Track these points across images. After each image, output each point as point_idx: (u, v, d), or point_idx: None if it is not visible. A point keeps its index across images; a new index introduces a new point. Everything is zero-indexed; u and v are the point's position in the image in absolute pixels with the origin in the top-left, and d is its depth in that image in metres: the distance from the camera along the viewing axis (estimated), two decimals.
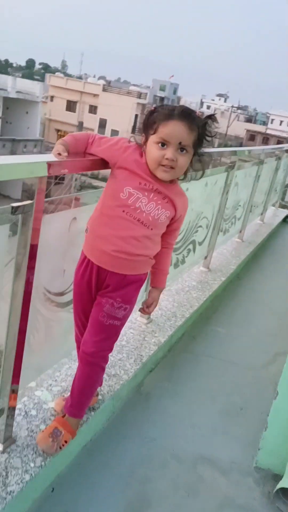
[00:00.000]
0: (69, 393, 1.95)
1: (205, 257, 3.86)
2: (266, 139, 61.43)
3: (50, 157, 1.43)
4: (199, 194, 3.19)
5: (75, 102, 36.04)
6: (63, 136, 1.62)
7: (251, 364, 2.98)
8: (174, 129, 1.46)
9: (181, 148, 1.49)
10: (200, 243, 3.53)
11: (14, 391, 1.62)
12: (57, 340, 1.94)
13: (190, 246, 3.30)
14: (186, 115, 1.48)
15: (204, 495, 1.87)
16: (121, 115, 34.60)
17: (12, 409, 1.65)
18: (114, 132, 35.38)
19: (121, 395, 2.21)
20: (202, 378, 2.72)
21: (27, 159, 1.37)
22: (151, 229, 1.56)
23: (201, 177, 1.68)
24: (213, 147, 1.77)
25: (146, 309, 1.79)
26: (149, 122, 1.52)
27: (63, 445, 1.68)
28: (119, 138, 1.63)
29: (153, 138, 1.50)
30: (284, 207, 7.34)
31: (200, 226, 3.39)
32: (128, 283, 1.61)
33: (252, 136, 60.67)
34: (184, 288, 3.39)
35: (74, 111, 35.77)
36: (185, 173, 1.60)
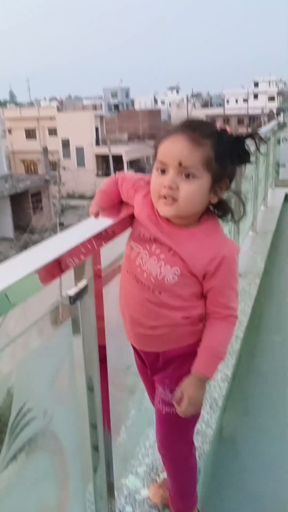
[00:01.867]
0: (157, 472, 1.68)
1: None
2: (227, 120, 61.64)
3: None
4: None
5: (33, 129, 35.69)
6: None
7: None
8: (170, 145, 1.09)
9: (186, 173, 1.08)
10: None
11: (111, 494, 1.33)
12: (132, 417, 1.65)
13: None
14: (189, 125, 1.10)
15: None
16: (81, 131, 34.29)
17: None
18: (79, 149, 35.10)
19: (210, 452, 1.92)
20: (278, 399, 2.45)
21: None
22: (159, 292, 1.15)
23: (227, 218, 1.21)
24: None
25: (176, 406, 1.22)
26: (154, 146, 1.16)
27: None
28: (139, 177, 1.26)
29: (154, 165, 1.14)
30: (280, 186, 7.10)
31: None
32: (169, 361, 1.25)
33: (212, 121, 60.58)
34: None
35: (35, 138, 35.43)
36: (222, 210, 1.18)
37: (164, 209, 1.12)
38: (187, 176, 1.08)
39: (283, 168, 7.04)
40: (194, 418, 1.34)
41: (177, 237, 1.15)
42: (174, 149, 1.09)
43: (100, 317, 1.15)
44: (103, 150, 33.59)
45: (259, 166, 4.93)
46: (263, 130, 5.42)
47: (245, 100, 65.08)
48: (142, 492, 1.63)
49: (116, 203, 1.30)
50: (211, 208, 1.20)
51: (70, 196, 31.47)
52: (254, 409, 2.37)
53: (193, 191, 1.09)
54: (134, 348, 1.33)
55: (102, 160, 34.41)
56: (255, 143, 1.15)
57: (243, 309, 3.08)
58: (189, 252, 1.14)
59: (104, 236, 1.13)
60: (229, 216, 1.21)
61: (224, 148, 1.09)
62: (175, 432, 1.32)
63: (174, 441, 1.34)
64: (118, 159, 32.07)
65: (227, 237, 1.29)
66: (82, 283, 1.10)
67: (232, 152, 1.11)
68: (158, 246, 1.15)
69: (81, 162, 35.04)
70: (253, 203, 4.67)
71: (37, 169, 32.63)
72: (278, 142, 7.06)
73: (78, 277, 1.10)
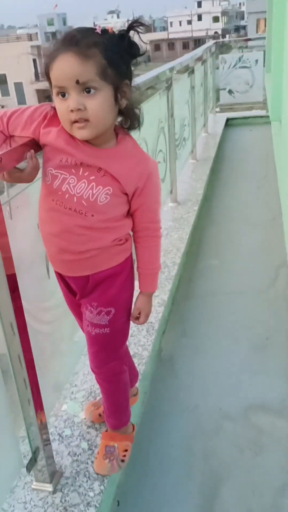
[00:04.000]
0: (95, 396, 1.76)
1: (171, 192, 3.60)
2: (171, 45, 59.25)
3: None
4: (148, 129, 2.86)
5: None
6: None
7: (256, 287, 2.84)
8: (61, 66, 1.03)
9: (86, 88, 1.04)
10: (163, 180, 3.25)
11: (42, 421, 1.38)
12: (65, 348, 1.69)
13: None
14: (71, 40, 1.03)
15: (271, 447, 1.76)
16: (18, 64, 32.16)
17: (45, 439, 1.42)
18: (18, 84, 33.11)
19: (147, 373, 2.02)
20: (216, 321, 2.57)
21: None
22: (92, 215, 1.15)
23: (134, 127, 1.21)
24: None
25: (135, 321, 1.38)
26: (45, 73, 1.09)
27: (124, 457, 1.49)
28: (34, 108, 1.18)
29: (53, 92, 1.09)
30: (221, 111, 7.03)
31: (159, 163, 3.08)
32: (98, 283, 1.27)
33: (157, 46, 58.34)
34: (163, 232, 3.12)
35: None
36: (126, 118, 1.18)
37: (81, 133, 1.09)
38: (88, 91, 1.05)
39: (223, 91, 6.91)
40: (124, 336, 1.40)
41: (104, 158, 1.14)
42: (66, 69, 1.03)
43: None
44: (44, 84, 31.75)
45: (196, 90, 4.82)
46: (197, 51, 5.23)
47: (189, 22, 62.48)
48: (80, 415, 1.71)
49: None
50: (119, 124, 1.20)
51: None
52: (191, 330, 2.48)
53: (101, 105, 1.07)
54: (59, 276, 1.33)
55: (44, 96, 32.70)
56: (137, 33, 1.11)
57: (181, 236, 3.13)
58: (119, 170, 1.15)
59: None
60: (137, 124, 1.21)
61: (113, 51, 1.06)
62: (106, 350, 1.37)
63: (105, 359, 1.39)
64: None
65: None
66: None
67: (121, 51, 1.08)
68: (86, 169, 1.13)
69: (21, 99, 33.16)
70: (191, 130, 4.61)
71: None
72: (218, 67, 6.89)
73: None
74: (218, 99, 7.06)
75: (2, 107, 26.95)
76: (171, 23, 66.10)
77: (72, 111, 1.05)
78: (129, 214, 1.26)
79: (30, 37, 36.82)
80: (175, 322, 2.53)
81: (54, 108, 1.15)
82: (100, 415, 1.63)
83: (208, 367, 2.20)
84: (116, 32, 1.09)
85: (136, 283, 1.37)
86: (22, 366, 1.26)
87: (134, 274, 1.36)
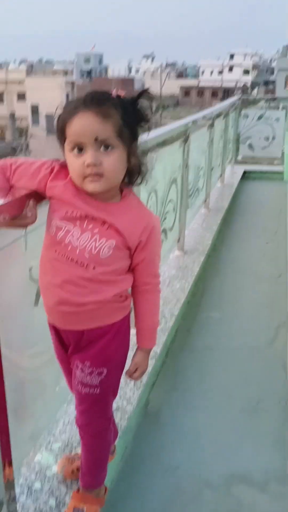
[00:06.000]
0: (72, 449, 1.71)
1: (178, 240, 3.61)
2: (200, 92, 60.97)
3: None
4: (161, 177, 2.91)
5: (1, 93, 34.47)
6: None
7: (254, 344, 2.79)
8: (81, 123, 1.09)
9: (104, 145, 1.10)
10: (170, 229, 3.27)
11: (8, 480, 1.34)
12: (48, 395, 1.66)
13: (162, 237, 3.04)
14: (92, 100, 1.10)
15: None
16: (51, 97, 33.38)
17: (11, 497, 1.37)
18: (49, 116, 34.16)
19: (129, 427, 1.96)
20: (209, 376, 2.51)
21: None
22: (93, 267, 1.16)
23: (138, 184, 1.24)
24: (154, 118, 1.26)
25: (130, 377, 1.36)
26: (58, 128, 1.15)
27: None
28: (42, 162, 1.22)
29: (66, 147, 1.14)
30: (240, 163, 7.13)
31: (167, 212, 3.12)
32: (92, 340, 1.26)
33: (186, 92, 60.06)
34: (165, 281, 3.13)
35: (2, 102, 34.25)
36: (131, 175, 1.21)
37: (93, 186, 1.12)
38: (106, 148, 1.10)
39: (243, 145, 7.04)
40: (114, 394, 1.38)
41: (110, 211, 1.17)
42: (86, 126, 1.09)
43: None
44: None
45: (214, 141, 4.91)
46: (222, 105, 5.37)
47: (220, 72, 64.43)
48: (54, 468, 1.65)
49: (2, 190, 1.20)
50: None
51: None
52: (183, 385, 2.42)
53: (116, 162, 1.12)
54: (53, 330, 1.31)
55: None
56: (149, 100, 1.17)
57: (183, 286, 3.11)
58: (124, 224, 1.17)
59: None
60: (140, 181, 1.24)
61: (128, 113, 1.13)
62: (95, 409, 1.34)
63: (94, 417, 1.36)
64: None
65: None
66: None
67: (133, 114, 1.14)
68: (91, 221, 1.16)
69: (51, 129, 34.21)
70: (206, 179, 4.67)
71: (4, 136, 31.69)
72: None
73: None
74: (237, 150, 7.18)
75: (31, 136, 27.80)
76: (202, 72, 68.26)
77: (88, 165, 1.09)
78: (130, 269, 1.26)
79: (65, 73, 38.35)
80: (168, 374, 2.47)
81: (60, 164, 1.20)
82: (73, 471, 1.58)
83: (195, 426, 2.12)
84: (128, 97, 1.16)
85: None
86: None
87: (130, 330, 1.35)
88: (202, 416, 2.19)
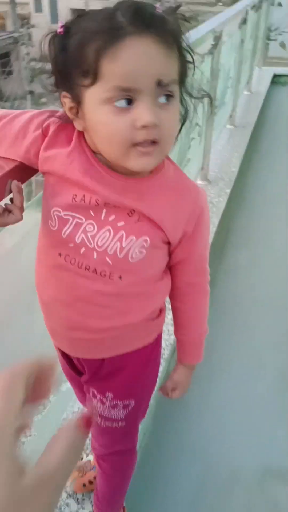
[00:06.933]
0: (84, 455, 1.46)
1: (202, 168, 3.13)
2: None
3: None
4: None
5: None
6: None
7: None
8: (136, 57, 0.64)
9: (166, 94, 0.68)
10: (194, 158, 2.79)
11: None
12: (53, 399, 1.37)
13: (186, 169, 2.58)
14: (143, 18, 0.64)
15: None
16: None
17: None
18: (53, 1, 31.07)
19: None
20: (236, 340, 2.23)
21: None
22: (120, 277, 0.79)
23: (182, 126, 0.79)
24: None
25: (166, 395, 1.03)
26: (68, 61, 0.68)
27: None
28: (29, 115, 0.79)
29: (98, 93, 0.67)
30: (269, 65, 6.27)
31: (193, 139, 2.62)
32: (116, 368, 0.91)
33: None
34: None
35: None
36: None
37: (145, 162, 0.70)
38: (166, 98, 0.68)
39: (274, 42, 6.13)
40: (142, 417, 1.05)
41: (140, 192, 0.76)
42: (146, 62, 0.64)
43: None
44: (79, 2, 29.75)
45: (246, 40, 4.16)
46: None
47: None
48: None
49: None
50: None
51: (45, 58, 28.49)
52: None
53: (175, 119, 0.73)
54: (61, 352, 0.95)
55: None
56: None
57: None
58: (161, 211, 0.77)
59: None
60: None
61: (181, 38, 0.70)
62: (119, 443, 1.05)
63: (117, 451, 1.07)
64: None
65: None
66: None
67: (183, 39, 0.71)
68: (112, 211, 0.75)
69: (54, 18, 31.24)
70: (234, 90, 4.03)
71: (4, 25, 29.07)
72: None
73: None
74: (267, 48, 6.28)
75: (33, 26, 25.46)
76: None
77: (144, 127, 0.66)
78: (167, 267, 0.88)
79: None
80: None
81: (60, 118, 0.76)
82: (84, 485, 1.34)
83: (221, 404, 1.89)
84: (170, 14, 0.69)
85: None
86: None
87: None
88: (231, 392, 1.95)
